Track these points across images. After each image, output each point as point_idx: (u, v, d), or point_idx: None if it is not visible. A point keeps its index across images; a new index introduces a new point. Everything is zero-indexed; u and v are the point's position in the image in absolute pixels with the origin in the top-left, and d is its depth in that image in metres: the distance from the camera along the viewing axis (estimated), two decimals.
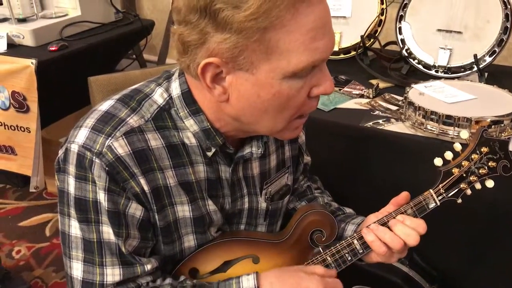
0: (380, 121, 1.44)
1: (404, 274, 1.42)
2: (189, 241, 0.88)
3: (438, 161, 0.90)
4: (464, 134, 0.90)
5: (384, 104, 1.56)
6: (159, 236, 0.85)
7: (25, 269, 2.06)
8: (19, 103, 1.90)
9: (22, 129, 1.97)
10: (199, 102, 0.81)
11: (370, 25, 1.79)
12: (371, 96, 1.61)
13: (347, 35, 1.84)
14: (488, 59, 1.59)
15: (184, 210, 0.85)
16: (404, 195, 0.91)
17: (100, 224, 0.78)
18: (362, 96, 1.62)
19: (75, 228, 0.79)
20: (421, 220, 0.88)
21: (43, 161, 2.02)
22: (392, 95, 1.61)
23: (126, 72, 1.33)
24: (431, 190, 0.90)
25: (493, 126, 1.27)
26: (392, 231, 0.88)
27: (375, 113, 1.50)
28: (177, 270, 0.90)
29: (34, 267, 2.07)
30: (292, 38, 0.68)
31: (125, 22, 2.37)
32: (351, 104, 1.57)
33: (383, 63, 1.82)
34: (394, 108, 1.52)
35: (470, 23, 1.59)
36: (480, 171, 0.88)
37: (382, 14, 1.83)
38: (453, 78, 1.62)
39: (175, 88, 0.82)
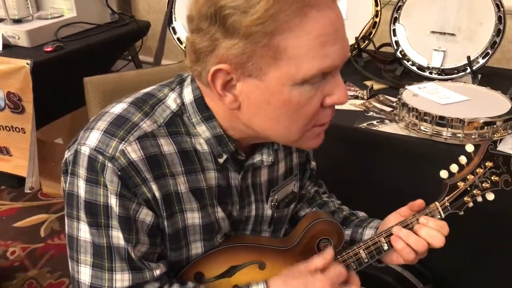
0: (374, 122, 1.46)
1: (398, 273, 1.43)
2: (197, 248, 0.88)
3: (443, 174, 0.91)
4: (470, 147, 0.90)
5: (378, 105, 1.57)
6: (166, 242, 0.84)
7: (20, 270, 2.06)
8: (14, 104, 1.90)
9: (17, 129, 1.97)
10: (212, 109, 0.80)
11: (365, 27, 1.80)
12: (365, 97, 1.62)
13: None
14: (481, 61, 1.61)
15: (194, 217, 0.84)
16: (419, 202, 0.92)
17: (110, 229, 0.77)
18: (356, 97, 1.63)
19: (84, 232, 0.78)
20: (443, 222, 0.89)
21: (38, 162, 2.02)
22: (386, 96, 1.62)
23: (122, 73, 1.33)
24: (437, 203, 0.91)
25: (485, 127, 1.29)
26: (417, 234, 0.88)
27: (369, 114, 1.51)
28: (182, 274, 0.89)
29: (28, 268, 2.07)
30: (301, 43, 0.67)
31: (121, 23, 2.37)
32: (345, 105, 1.57)
33: (378, 64, 1.83)
34: (388, 109, 1.53)
35: (463, 25, 1.60)
36: (483, 184, 0.90)
37: (376, 16, 1.84)
38: (446, 80, 1.63)
39: (188, 94, 0.82)
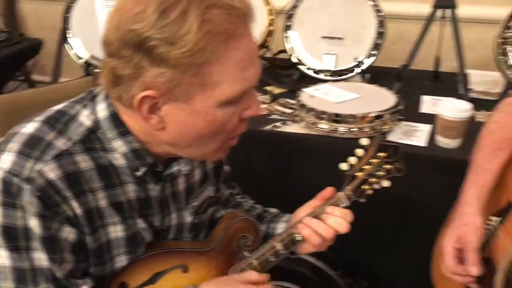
0: (278, 124, 1.54)
1: (312, 264, 1.52)
2: (121, 261, 0.88)
3: (344, 166, 0.98)
4: (365, 141, 0.99)
5: (280, 108, 1.65)
6: (90, 258, 0.83)
7: None
8: None
9: None
10: (128, 124, 0.81)
11: (260, 36, 1.89)
12: (267, 101, 1.70)
13: None
14: (368, 62, 1.76)
15: (116, 231, 0.85)
16: (330, 189, 0.99)
17: (32, 251, 0.75)
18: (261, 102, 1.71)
19: (2, 258, 0.75)
20: (347, 210, 0.97)
21: None
22: (287, 99, 1.71)
23: (18, 92, 1.29)
24: (339, 193, 0.98)
25: (376, 121, 1.42)
26: (325, 223, 0.95)
27: (272, 117, 1.59)
28: (106, 286, 0.88)
29: None
30: (225, 70, 0.72)
31: (10, 42, 2.26)
32: None
33: (277, 70, 1.93)
34: (289, 111, 1.62)
35: (350, 30, 1.75)
36: (379, 173, 0.98)
37: (271, 25, 1.94)
38: (339, 80, 1.76)
39: (101, 110, 0.81)
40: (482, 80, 1.83)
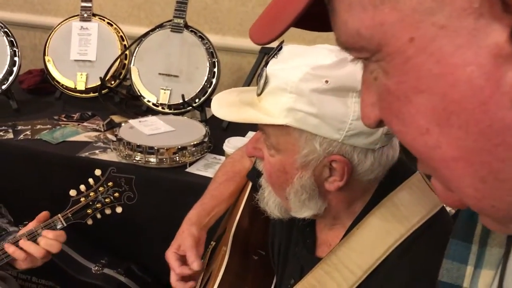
0: (97, 151, 1.68)
1: (120, 282, 1.65)
2: None
3: (72, 192, 1.13)
4: (98, 171, 1.14)
5: (111, 137, 1.80)
6: None
7: None
8: None
9: None
10: None
11: (110, 68, 2.04)
12: (102, 129, 1.85)
13: (93, 77, 2.07)
14: (202, 98, 1.93)
15: None
16: (44, 213, 1.13)
17: None
18: (96, 130, 1.85)
19: None
20: (61, 232, 1.10)
21: None
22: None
23: None
24: (59, 215, 1.12)
25: (179, 152, 1.58)
26: (39, 243, 1.08)
27: (97, 145, 1.73)
28: None
29: None
30: None
31: None
32: (81, 137, 1.79)
33: (131, 101, 2.08)
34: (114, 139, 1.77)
35: (184, 69, 1.93)
36: (106, 200, 1.13)
37: (125, 58, 2.10)
38: (178, 114, 1.92)
39: None
40: None
